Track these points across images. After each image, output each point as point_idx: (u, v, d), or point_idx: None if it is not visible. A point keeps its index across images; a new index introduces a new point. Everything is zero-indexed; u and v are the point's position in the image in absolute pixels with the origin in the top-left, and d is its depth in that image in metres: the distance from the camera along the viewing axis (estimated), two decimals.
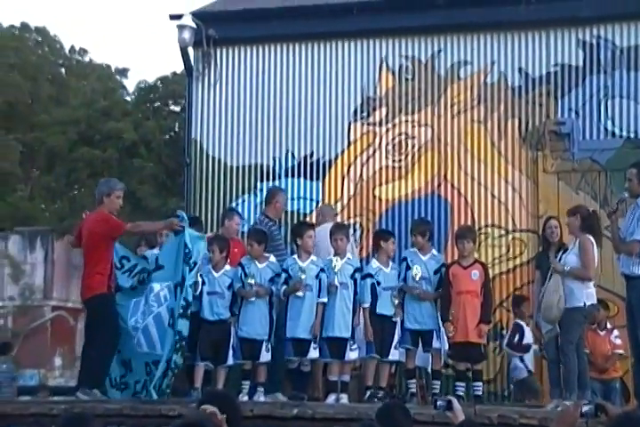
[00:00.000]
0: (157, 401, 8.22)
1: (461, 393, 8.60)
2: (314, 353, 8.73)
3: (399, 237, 10.38)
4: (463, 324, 8.68)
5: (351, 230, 10.97)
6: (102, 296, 8.64)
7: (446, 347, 9.14)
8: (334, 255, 8.92)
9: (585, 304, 8.40)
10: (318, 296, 8.77)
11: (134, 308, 8.80)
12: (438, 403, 5.58)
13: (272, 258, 9.03)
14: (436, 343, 8.81)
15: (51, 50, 29.18)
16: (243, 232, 10.69)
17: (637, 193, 8.26)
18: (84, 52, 29.78)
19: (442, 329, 8.84)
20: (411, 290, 8.81)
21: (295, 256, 9.03)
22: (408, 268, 8.87)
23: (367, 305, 8.77)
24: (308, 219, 11.76)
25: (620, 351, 10.20)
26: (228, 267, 9.02)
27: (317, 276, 8.80)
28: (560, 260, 8.62)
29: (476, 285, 8.78)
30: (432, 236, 9.19)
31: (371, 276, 8.81)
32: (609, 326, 10.44)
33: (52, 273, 17.43)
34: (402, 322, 8.85)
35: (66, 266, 17.92)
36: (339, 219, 11.52)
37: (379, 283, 8.81)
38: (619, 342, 10.24)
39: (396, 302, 8.79)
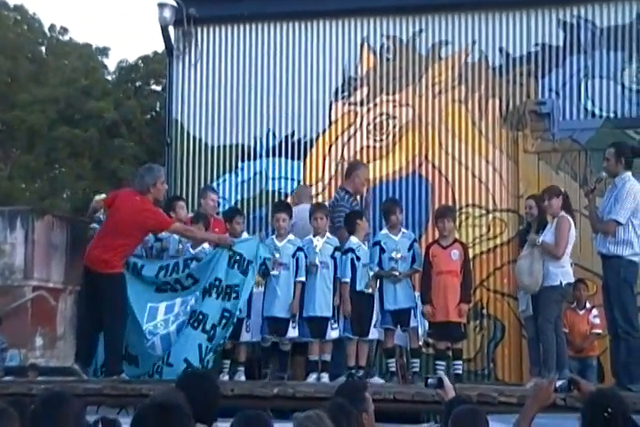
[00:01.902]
0: (138, 381, 8.26)
1: (442, 372, 8.67)
2: (292, 332, 8.78)
3: (380, 217, 10.42)
4: (443, 304, 8.75)
5: None
6: (121, 276, 8.55)
7: (426, 326, 9.23)
8: (314, 235, 8.96)
9: (561, 283, 8.47)
10: (296, 275, 8.81)
11: (151, 313, 8.66)
12: (429, 381, 5.65)
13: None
14: (413, 322, 8.87)
15: (30, 28, 28.91)
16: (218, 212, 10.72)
17: (615, 173, 8.31)
18: (64, 30, 29.53)
19: (419, 307, 8.91)
20: (389, 274, 8.85)
21: (273, 236, 9.07)
22: (382, 251, 8.91)
23: (348, 280, 8.80)
24: (289, 199, 11.79)
25: (598, 331, 10.25)
26: (206, 245, 9.04)
27: (294, 255, 8.82)
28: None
29: (455, 265, 8.84)
30: (401, 212, 9.24)
31: (352, 250, 8.83)
32: (588, 305, 10.49)
33: (32, 253, 17.36)
34: (381, 303, 8.91)
35: (46, 246, 17.86)
36: (320, 199, 11.58)
37: (358, 258, 8.84)
38: (597, 321, 10.30)
39: (371, 273, 8.83)
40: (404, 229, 9.11)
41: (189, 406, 3.96)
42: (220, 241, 8.74)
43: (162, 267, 8.82)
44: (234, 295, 8.62)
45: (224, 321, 8.59)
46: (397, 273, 8.82)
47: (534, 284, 8.52)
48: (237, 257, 8.65)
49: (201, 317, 8.56)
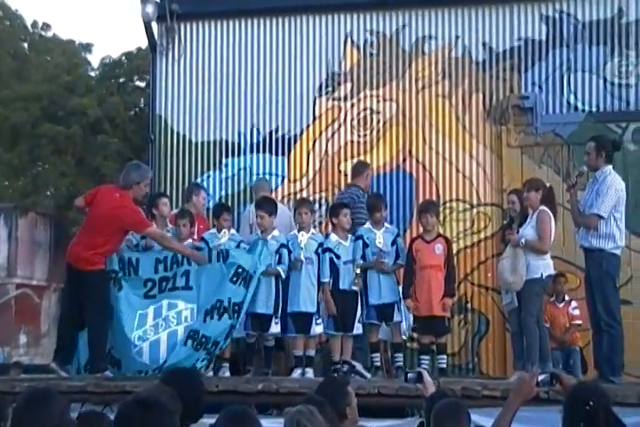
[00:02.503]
0: (121, 378, 8.26)
1: (426, 366, 8.70)
2: (275, 328, 8.79)
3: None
4: (427, 298, 8.79)
5: (316, 206, 11.08)
6: (103, 272, 8.52)
7: (411, 321, 9.26)
8: (299, 230, 8.98)
9: (542, 275, 8.53)
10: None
11: (140, 320, 8.59)
12: (409, 375, 5.67)
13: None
14: (396, 317, 8.90)
15: (12, 24, 28.78)
16: (208, 208, 10.76)
17: (596, 167, 8.36)
18: (47, 26, 29.37)
19: (402, 302, 8.94)
20: (374, 264, 8.87)
21: (259, 232, 9.09)
22: (366, 245, 8.93)
23: (327, 280, 8.83)
24: (273, 195, 11.80)
25: (579, 322, 10.35)
26: (190, 240, 9.04)
27: (277, 251, 8.84)
28: (518, 232, 8.76)
29: (439, 259, 8.88)
30: (386, 208, 9.28)
31: (330, 250, 8.86)
32: (567, 298, 10.57)
33: (15, 251, 17.34)
34: (366, 298, 8.94)
35: (30, 243, 17.85)
36: (304, 194, 11.62)
37: (338, 257, 8.87)
38: (577, 312, 10.37)
39: (358, 270, 8.85)
40: (387, 224, 9.15)
41: (178, 402, 3.96)
42: (193, 257, 8.65)
43: (159, 260, 8.73)
44: (241, 311, 8.61)
45: (229, 336, 8.64)
46: (385, 260, 8.83)
47: (519, 281, 8.56)
48: (240, 270, 8.59)
49: (204, 340, 8.52)
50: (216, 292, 8.60)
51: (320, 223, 10.98)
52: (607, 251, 8.23)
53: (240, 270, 8.60)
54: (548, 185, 8.99)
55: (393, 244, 9.01)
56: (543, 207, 8.62)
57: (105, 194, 8.63)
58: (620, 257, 8.40)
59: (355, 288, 8.85)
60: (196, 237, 9.26)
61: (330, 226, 9.33)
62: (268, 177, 12.01)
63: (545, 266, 8.56)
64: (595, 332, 8.38)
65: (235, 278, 8.59)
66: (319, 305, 8.89)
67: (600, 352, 8.25)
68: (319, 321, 8.86)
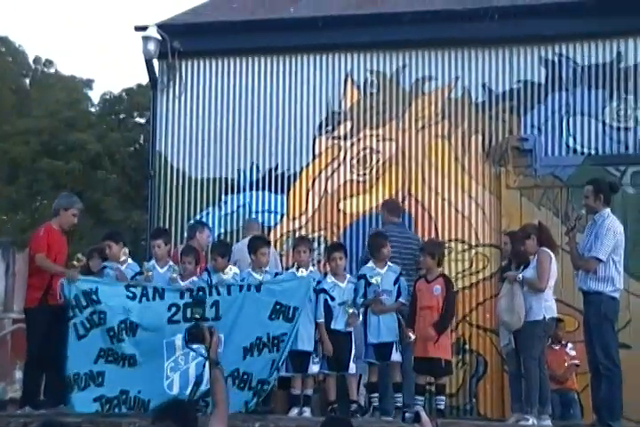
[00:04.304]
0: (117, 414, 8.20)
1: (419, 406, 8.63)
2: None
3: (358, 251, 10.49)
4: (423, 339, 8.72)
5: (315, 244, 11.09)
6: (30, 311, 8.80)
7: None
8: (297, 268, 8.97)
9: (545, 318, 8.50)
10: None
11: (169, 349, 8.49)
12: (406, 415, 5.68)
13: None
14: (395, 356, 8.85)
15: (14, 60, 29.01)
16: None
17: (595, 209, 8.39)
18: (49, 63, 29.62)
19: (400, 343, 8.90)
20: (375, 301, 8.85)
21: (250, 269, 9.08)
22: (368, 284, 8.92)
23: (322, 320, 8.81)
24: (272, 232, 11.83)
25: (577, 362, 10.36)
26: (195, 278, 9.03)
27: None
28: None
29: (436, 300, 8.79)
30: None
31: (324, 291, 8.85)
32: (563, 341, 10.58)
33: (12, 285, 17.25)
34: (365, 337, 8.91)
35: (27, 278, 17.77)
36: (303, 232, 11.63)
37: (332, 298, 8.85)
38: (573, 353, 10.42)
39: (350, 311, 8.82)
40: (390, 263, 9.12)
41: None
42: (68, 276, 8.63)
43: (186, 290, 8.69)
44: (282, 344, 8.49)
45: (272, 371, 8.50)
46: (383, 296, 8.79)
47: (516, 321, 8.52)
48: (277, 307, 8.50)
49: (245, 377, 8.40)
50: (255, 329, 8.49)
51: (319, 262, 10.96)
52: (606, 294, 8.22)
53: (278, 307, 8.50)
54: (537, 222, 9.01)
55: (395, 283, 8.98)
56: (543, 248, 8.63)
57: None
58: (618, 300, 8.38)
59: (349, 329, 8.83)
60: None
61: (327, 266, 9.29)
62: (267, 215, 12.06)
63: (547, 308, 8.54)
64: (593, 375, 8.35)
65: (273, 316, 8.51)
66: (317, 344, 8.85)
67: (598, 396, 8.21)
68: (316, 360, 8.81)
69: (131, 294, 8.66)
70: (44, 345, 8.68)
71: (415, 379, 8.86)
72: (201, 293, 8.59)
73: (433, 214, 11.68)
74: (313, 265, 9.82)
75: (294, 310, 8.52)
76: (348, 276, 9.09)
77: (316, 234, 11.81)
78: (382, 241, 9.19)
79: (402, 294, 8.96)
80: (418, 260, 9.11)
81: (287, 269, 9.93)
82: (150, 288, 8.67)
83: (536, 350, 8.48)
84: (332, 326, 8.82)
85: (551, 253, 8.61)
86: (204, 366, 7.60)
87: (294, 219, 11.98)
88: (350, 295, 8.92)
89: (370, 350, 8.88)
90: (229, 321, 8.51)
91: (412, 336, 8.68)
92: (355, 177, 11.97)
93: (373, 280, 8.87)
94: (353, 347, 8.83)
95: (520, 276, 8.57)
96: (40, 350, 8.71)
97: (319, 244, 11.62)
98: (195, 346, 5.36)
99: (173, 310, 8.58)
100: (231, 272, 9.07)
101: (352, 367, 8.83)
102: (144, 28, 12.31)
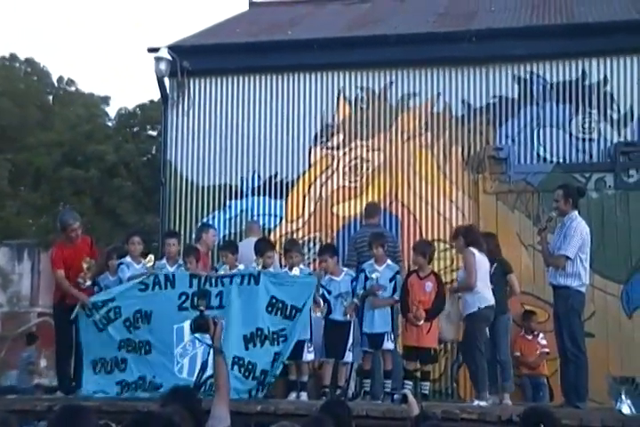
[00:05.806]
0: (134, 398, 8.20)
1: (407, 389, 8.64)
2: None
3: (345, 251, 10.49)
4: (416, 330, 8.72)
5: (311, 244, 11.11)
6: (55, 307, 9.28)
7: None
8: (290, 268, 8.96)
9: (479, 308, 8.45)
10: None
11: (179, 335, 8.45)
12: (395, 397, 5.70)
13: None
14: (387, 345, 8.86)
15: (39, 79, 29.01)
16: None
17: (564, 212, 8.42)
18: (71, 82, 29.65)
19: (394, 333, 8.92)
20: (373, 290, 8.85)
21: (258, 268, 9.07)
22: (367, 278, 8.94)
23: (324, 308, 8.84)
24: (272, 234, 11.85)
25: (547, 350, 10.42)
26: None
27: None
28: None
29: (428, 296, 8.79)
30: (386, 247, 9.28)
31: (321, 286, 8.90)
32: (535, 332, 10.64)
33: (37, 282, 17.29)
34: (360, 327, 8.92)
35: (51, 276, 17.75)
36: (300, 234, 11.65)
37: (329, 292, 8.89)
38: (544, 342, 10.46)
39: (346, 303, 8.83)
40: (389, 261, 9.12)
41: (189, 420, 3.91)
42: (80, 302, 8.76)
43: (194, 275, 8.61)
44: (282, 339, 8.39)
45: (275, 364, 8.39)
46: (379, 289, 8.79)
47: (451, 330, 8.57)
48: (274, 301, 8.41)
49: (250, 366, 8.32)
50: (255, 319, 8.41)
51: (314, 260, 10.95)
52: (573, 288, 8.24)
53: (274, 301, 8.43)
54: (467, 225, 9.16)
55: (392, 280, 8.98)
56: (468, 248, 8.58)
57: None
58: (584, 294, 8.40)
59: (346, 318, 8.84)
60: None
61: (323, 264, 9.29)
62: (267, 218, 12.07)
63: (480, 299, 8.43)
64: (562, 361, 8.35)
65: (270, 308, 8.44)
66: (311, 333, 8.84)
67: (567, 381, 8.22)
68: (311, 349, 8.80)
69: (143, 286, 8.66)
70: (69, 337, 8.84)
71: (405, 365, 8.89)
72: (207, 283, 8.57)
73: (417, 217, 11.71)
74: (305, 265, 9.87)
75: (294, 310, 8.44)
76: (345, 269, 9.12)
77: (311, 235, 11.84)
78: (374, 242, 9.21)
79: (397, 291, 8.97)
80: (412, 258, 9.10)
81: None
82: (162, 276, 8.66)
83: (479, 340, 8.43)
84: (330, 317, 8.84)
85: (474, 251, 8.52)
86: (208, 353, 7.68)
87: (292, 222, 12.00)
88: (347, 287, 8.94)
89: (364, 340, 8.90)
90: (230, 309, 8.44)
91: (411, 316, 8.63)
92: (347, 183, 11.99)
93: (373, 275, 8.89)
94: (350, 337, 8.84)
95: (450, 287, 8.65)
96: (66, 341, 8.86)
97: (314, 244, 11.65)
98: (200, 335, 5.36)
99: (183, 298, 8.56)
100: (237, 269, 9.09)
101: (347, 355, 8.84)
102: (156, 50, 12.33)
